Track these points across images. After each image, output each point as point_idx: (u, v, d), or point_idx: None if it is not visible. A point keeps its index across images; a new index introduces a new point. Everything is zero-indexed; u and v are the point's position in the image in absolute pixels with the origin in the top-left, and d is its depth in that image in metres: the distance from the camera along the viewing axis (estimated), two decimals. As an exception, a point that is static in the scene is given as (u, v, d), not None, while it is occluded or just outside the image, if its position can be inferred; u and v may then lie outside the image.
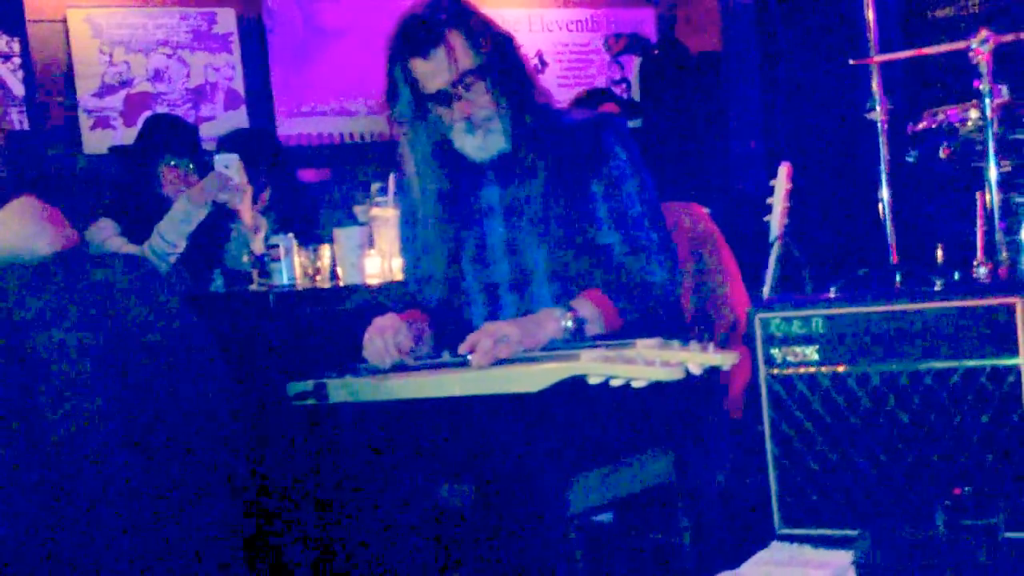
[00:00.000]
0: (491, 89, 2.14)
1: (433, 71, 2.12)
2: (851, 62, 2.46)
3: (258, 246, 3.32)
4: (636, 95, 5.53)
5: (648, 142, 5.03)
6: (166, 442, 2.23)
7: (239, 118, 4.67)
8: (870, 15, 2.52)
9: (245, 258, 3.38)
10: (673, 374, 1.79)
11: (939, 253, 2.53)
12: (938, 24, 5.11)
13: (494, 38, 2.17)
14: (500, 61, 2.16)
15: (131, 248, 3.30)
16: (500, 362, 1.98)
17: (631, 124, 4.87)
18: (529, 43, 5.30)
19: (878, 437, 1.92)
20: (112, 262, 2.15)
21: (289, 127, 4.76)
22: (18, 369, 1.96)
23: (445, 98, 2.14)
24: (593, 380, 1.83)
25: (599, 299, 2.12)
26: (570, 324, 2.08)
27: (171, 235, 3.24)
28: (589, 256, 2.19)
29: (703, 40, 5.61)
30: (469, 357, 1.99)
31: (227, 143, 3.79)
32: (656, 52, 5.52)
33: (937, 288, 1.96)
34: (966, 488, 1.68)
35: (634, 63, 5.58)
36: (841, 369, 1.96)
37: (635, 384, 1.80)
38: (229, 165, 3.28)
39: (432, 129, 2.21)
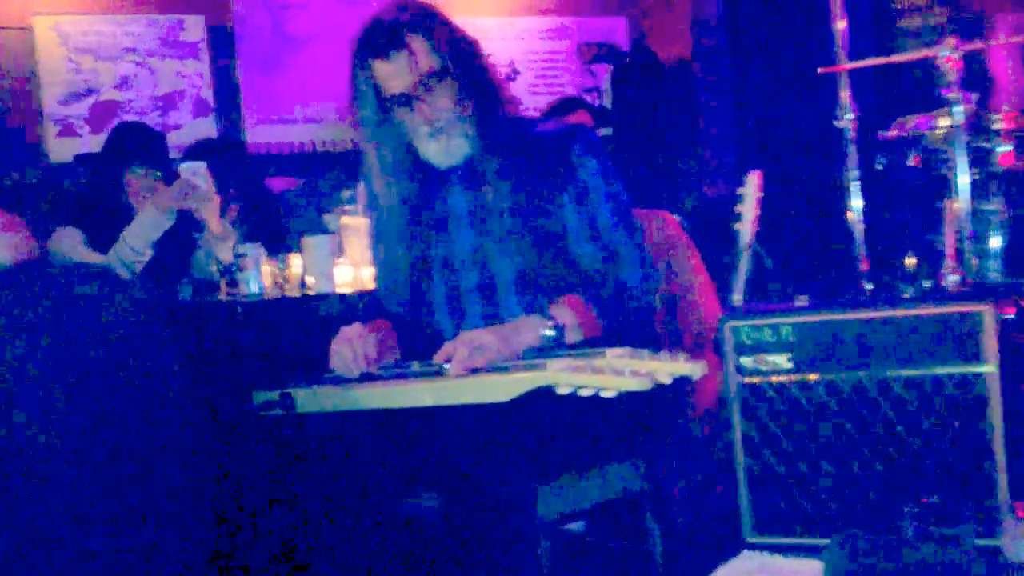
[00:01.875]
0: (453, 92, 2.13)
1: (394, 73, 2.11)
2: (820, 70, 2.46)
3: (226, 255, 3.28)
4: (608, 103, 5.53)
5: (619, 150, 5.04)
6: (127, 455, 2.20)
7: (207, 126, 4.63)
8: (839, 24, 2.52)
9: (212, 267, 3.34)
10: (642, 384, 1.77)
11: (908, 260, 2.53)
12: (906, 34, 5.15)
13: (458, 42, 2.16)
14: (463, 65, 2.14)
15: (95, 257, 3.26)
16: (471, 371, 1.97)
17: (603, 132, 4.88)
18: (501, 51, 5.30)
19: (848, 445, 1.92)
20: (74, 273, 2.10)
21: (258, 135, 4.72)
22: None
23: (406, 101, 2.13)
24: (562, 390, 1.82)
25: (578, 305, 2.10)
26: (550, 332, 2.06)
27: (137, 243, 3.20)
28: (561, 266, 2.18)
29: (674, 49, 5.62)
30: (445, 366, 1.97)
31: (195, 152, 3.76)
32: (627, 60, 5.52)
33: (906, 296, 1.96)
34: (934, 496, 1.67)
35: (606, 71, 5.59)
36: (811, 377, 1.95)
37: (604, 394, 1.79)
38: (196, 172, 3.25)
39: (396, 135, 2.20)
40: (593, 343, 2.06)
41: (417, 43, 2.10)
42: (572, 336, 2.08)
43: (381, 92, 2.14)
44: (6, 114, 4.23)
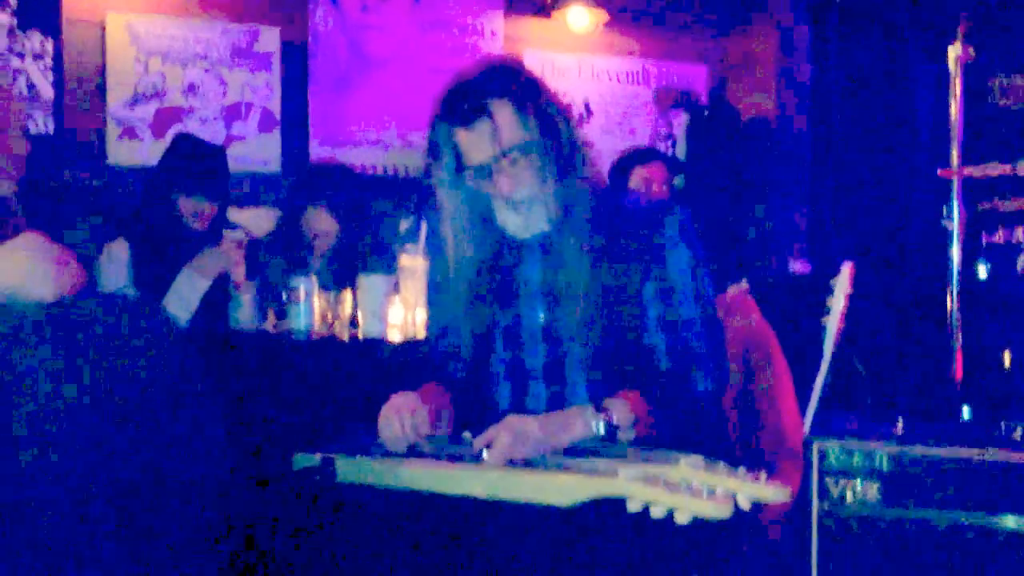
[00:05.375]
0: (537, 167, 1.98)
1: (476, 143, 1.96)
2: (939, 173, 2.29)
3: (247, 306, 3.21)
4: (681, 152, 5.37)
5: (689, 202, 4.87)
6: (155, 504, 2.07)
7: (272, 140, 4.52)
8: (954, 119, 2.35)
9: (243, 316, 3.26)
10: (721, 511, 1.60)
11: (1006, 358, 2.35)
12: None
13: (547, 112, 2.00)
14: (551, 138, 1.98)
15: (130, 291, 3.24)
16: (529, 463, 1.81)
17: (675, 182, 4.72)
18: (576, 90, 5.16)
19: (940, 597, 1.74)
20: (114, 311, 1.97)
21: (322, 154, 4.60)
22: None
23: (486, 172, 1.98)
24: (632, 505, 1.65)
25: (636, 404, 1.92)
26: (601, 430, 1.89)
27: (179, 309, 3.16)
28: (631, 354, 2.01)
29: (755, 104, 5.44)
30: (484, 453, 1.82)
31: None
32: (706, 112, 5.36)
33: (1017, 436, 1.77)
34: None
35: (681, 120, 5.43)
36: (904, 514, 1.77)
37: (678, 517, 1.61)
38: (234, 239, 3.26)
39: (473, 198, 2.05)
40: (648, 442, 1.90)
41: (503, 113, 1.95)
42: (623, 436, 1.91)
43: (461, 158, 1.99)
44: (70, 111, 4.14)
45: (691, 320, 2.01)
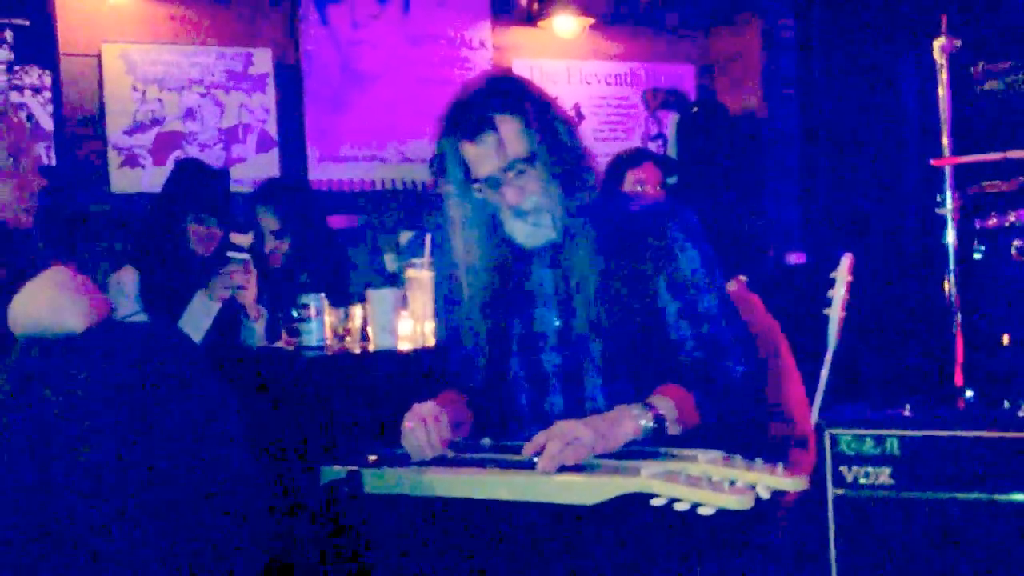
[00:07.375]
0: (542, 176, 2.04)
1: (482, 156, 2.03)
2: (932, 162, 2.35)
3: (259, 333, 3.29)
4: (672, 151, 5.44)
5: (683, 199, 4.93)
6: (192, 523, 2.12)
7: (271, 160, 4.57)
8: (943, 109, 2.41)
9: (255, 335, 3.34)
10: (743, 503, 1.66)
11: (1005, 339, 2.41)
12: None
13: (550, 122, 2.06)
14: (554, 147, 2.05)
15: (141, 316, 3.32)
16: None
17: (669, 181, 4.78)
18: (567, 95, 5.22)
19: (957, 573, 1.79)
20: (141, 337, 2.03)
21: (321, 172, 4.66)
22: (34, 451, 1.85)
23: (494, 184, 2.04)
24: (657, 501, 1.71)
25: (679, 396, 1.98)
26: (650, 424, 1.94)
27: (193, 332, 3.26)
28: (656, 352, 2.07)
29: (743, 100, 5.51)
30: (535, 460, 1.85)
31: (262, 193, 3.75)
32: (695, 110, 5.43)
33: (1022, 414, 1.83)
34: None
35: (671, 119, 5.50)
36: (917, 495, 1.83)
37: (702, 511, 1.67)
38: (238, 261, 3.36)
39: (482, 208, 2.11)
40: (692, 435, 1.96)
41: (507, 126, 2.01)
42: (672, 430, 1.96)
43: (468, 171, 2.06)
44: (71, 142, 4.20)
45: (711, 310, 2.07)
